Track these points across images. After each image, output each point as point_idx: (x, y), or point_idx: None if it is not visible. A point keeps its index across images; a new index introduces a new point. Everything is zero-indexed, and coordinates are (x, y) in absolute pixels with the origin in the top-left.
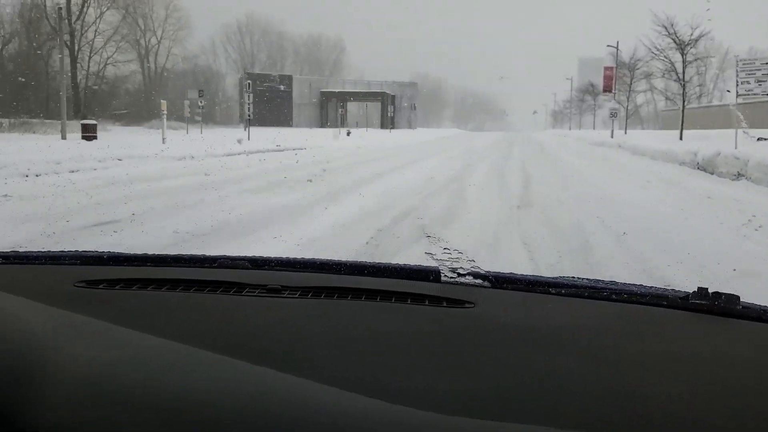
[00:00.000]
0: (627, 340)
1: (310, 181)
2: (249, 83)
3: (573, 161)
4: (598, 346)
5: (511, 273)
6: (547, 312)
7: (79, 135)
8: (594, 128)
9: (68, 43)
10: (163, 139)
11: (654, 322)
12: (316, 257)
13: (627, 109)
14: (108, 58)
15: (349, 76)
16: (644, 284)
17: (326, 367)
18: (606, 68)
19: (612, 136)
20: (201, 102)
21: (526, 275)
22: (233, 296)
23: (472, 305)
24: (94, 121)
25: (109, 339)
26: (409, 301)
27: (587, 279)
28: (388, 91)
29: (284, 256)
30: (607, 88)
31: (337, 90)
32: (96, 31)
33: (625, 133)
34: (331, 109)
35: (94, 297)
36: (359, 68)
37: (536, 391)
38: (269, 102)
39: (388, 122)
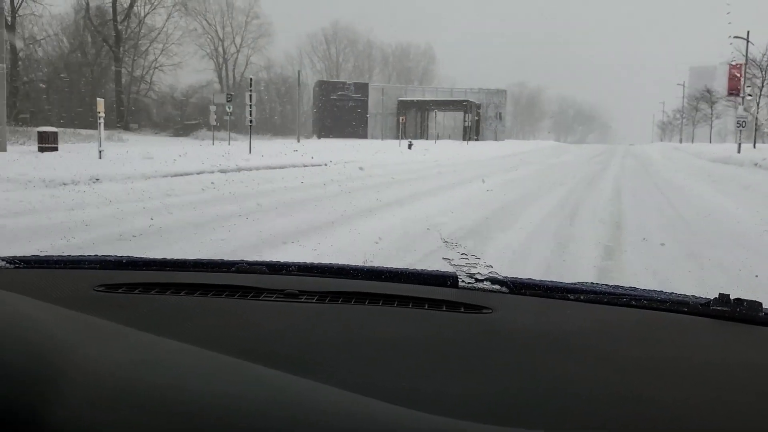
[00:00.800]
0: (647, 346)
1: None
2: (251, 79)
3: (696, 190)
4: (617, 353)
5: (529, 279)
6: (565, 318)
7: (52, 144)
8: (710, 141)
9: (113, 47)
10: (100, 152)
11: (674, 329)
12: (333, 262)
13: (756, 117)
14: (153, 61)
15: (439, 86)
16: (664, 290)
17: (343, 372)
18: (732, 66)
19: (739, 151)
20: (229, 108)
21: (545, 281)
22: (251, 301)
23: (490, 311)
24: (53, 129)
25: (127, 343)
26: (426, 306)
27: (606, 285)
28: (473, 100)
29: (301, 261)
30: (734, 90)
31: (415, 99)
32: (140, 33)
33: (754, 146)
34: (410, 119)
35: (113, 301)
36: (450, 77)
37: (554, 397)
38: (342, 112)
39: (470, 133)
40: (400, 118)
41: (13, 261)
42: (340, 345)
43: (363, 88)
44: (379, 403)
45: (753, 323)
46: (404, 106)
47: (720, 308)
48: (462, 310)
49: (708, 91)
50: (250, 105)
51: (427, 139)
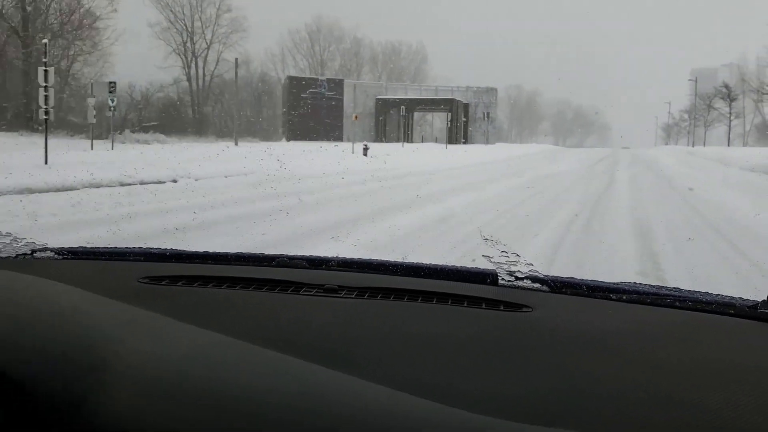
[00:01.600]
0: (691, 349)
1: None
2: (45, 43)
3: None
4: (659, 355)
5: (570, 277)
6: (607, 318)
7: None
8: (728, 144)
9: (19, 31)
10: None
11: (720, 332)
12: (373, 258)
13: None
14: (63, 49)
15: (429, 85)
16: (710, 291)
17: (381, 368)
18: None
19: None
20: (112, 102)
21: (586, 280)
22: (291, 295)
23: (530, 309)
24: None
25: (170, 334)
26: (465, 303)
27: (650, 285)
28: (460, 99)
29: (341, 256)
30: None
31: (396, 97)
32: (56, 15)
33: None
34: (391, 120)
35: (156, 293)
36: (444, 78)
37: (594, 398)
38: (315, 111)
39: (458, 134)
40: (353, 117)
41: (62, 252)
42: (379, 341)
43: (338, 85)
44: (416, 400)
45: None
46: (383, 106)
47: None
48: (502, 308)
49: (726, 86)
50: (45, 87)
51: (410, 141)
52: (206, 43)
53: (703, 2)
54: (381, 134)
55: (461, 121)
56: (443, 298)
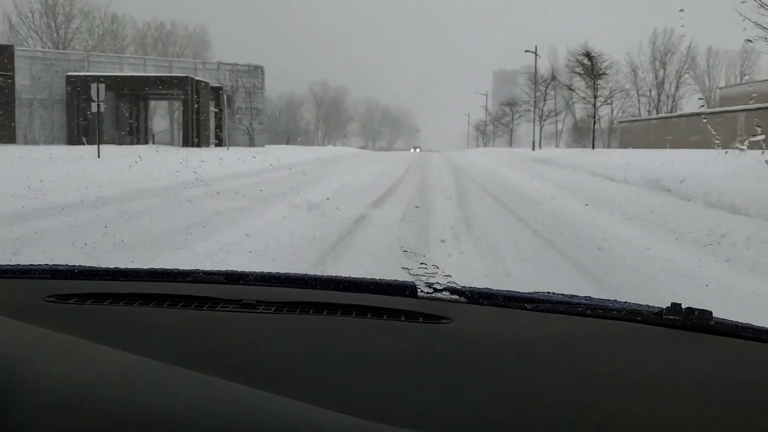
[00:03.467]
0: (602, 355)
1: None
2: None
3: None
4: (573, 362)
5: (487, 288)
6: (522, 328)
7: None
8: (593, 146)
9: None
10: None
11: (628, 338)
12: (291, 272)
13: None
14: None
15: (165, 61)
16: (618, 300)
17: (302, 384)
18: None
19: None
20: None
21: (502, 291)
22: (207, 311)
23: (448, 321)
24: None
25: (79, 355)
26: (385, 316)
27: (562, 294)
28: (206, 80)
29: (259, 270)
30: None
31: (99, 74)
32: None
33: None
34: (106, 110)
35: (64, 312)
36: None
37: (511, 407)
38: None
39: (200, 132)
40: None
41: None
42: (298, 356)
43: (6, 56)
44: (335, 415)
45: (704, 332)
46: (82, 87)
47: (672, 317)
48: (420, 320)
49: (587, 54)
50: None
51: (141, 142)
52: None
53: (504, 6)
54: (80, 132)
55: (207, 112)
56: (363, 311)
